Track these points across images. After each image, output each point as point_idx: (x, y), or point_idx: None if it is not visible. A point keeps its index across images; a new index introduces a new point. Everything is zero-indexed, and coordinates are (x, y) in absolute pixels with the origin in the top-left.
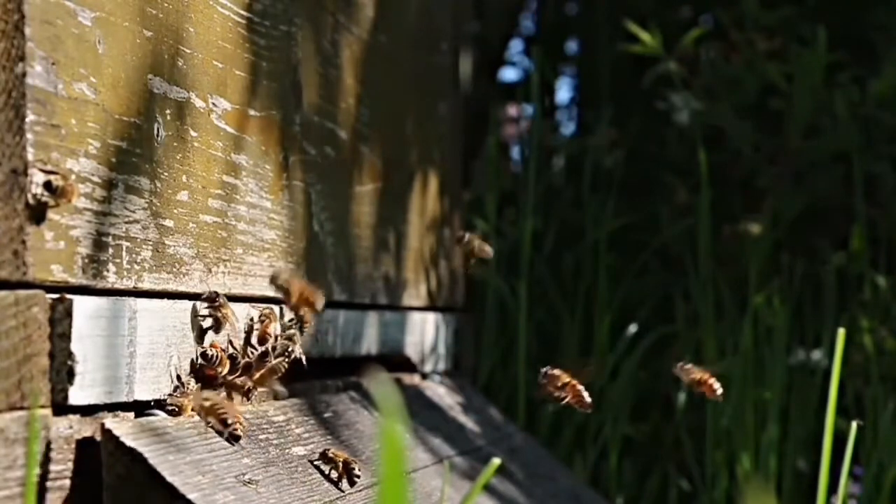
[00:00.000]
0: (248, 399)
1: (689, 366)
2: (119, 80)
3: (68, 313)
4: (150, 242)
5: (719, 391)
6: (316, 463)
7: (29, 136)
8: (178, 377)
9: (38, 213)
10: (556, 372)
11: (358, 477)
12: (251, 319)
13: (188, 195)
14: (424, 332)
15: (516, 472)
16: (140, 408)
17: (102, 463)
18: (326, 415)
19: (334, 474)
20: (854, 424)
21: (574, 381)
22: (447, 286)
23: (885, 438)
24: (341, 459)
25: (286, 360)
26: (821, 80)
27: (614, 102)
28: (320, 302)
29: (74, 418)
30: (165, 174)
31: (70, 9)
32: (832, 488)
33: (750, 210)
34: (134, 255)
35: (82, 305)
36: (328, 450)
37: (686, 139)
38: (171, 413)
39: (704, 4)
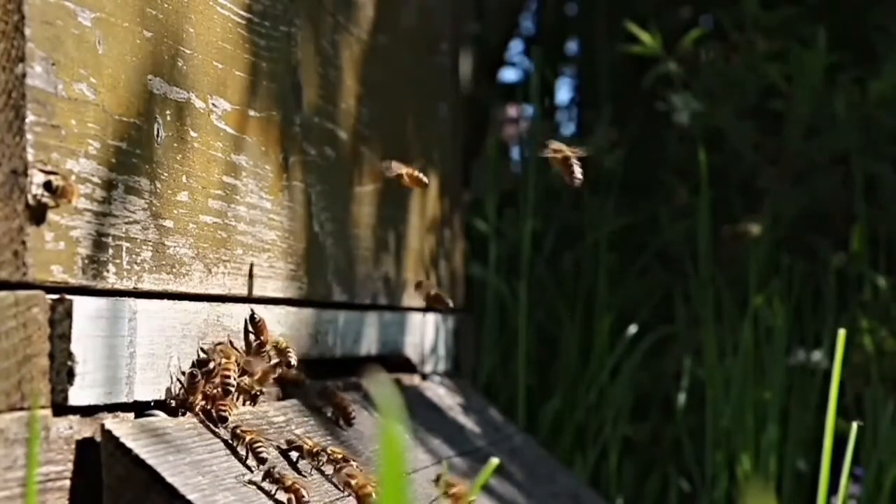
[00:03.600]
0: (254, 403)
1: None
2: (119, 80)
3: (68, 314)
4: (150, 243)
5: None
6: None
7: (29, 136)
8: (180, 378)
9: (38, 214)
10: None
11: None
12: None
13: (188, 196)
14: (424, 332)
15: (516, 472)
16: (140, 408)
17: (102, 464)
18: (331, 413)
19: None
20: (854, 425)
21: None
22: (447, 287)
23: (886, 439)
24: (289, 482)
25: (283, 359)
26: (821, 81)
27: (614, 103)
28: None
29: (74, 419)
30: (165, 175)
31: (70, 9)
32: (832, 489)
33: (750, 210)
34: (134, 256)
35: (82, 306)
36: (273, 468)
37: (686, 140)
38: (177, 410)
39: (704, 5)
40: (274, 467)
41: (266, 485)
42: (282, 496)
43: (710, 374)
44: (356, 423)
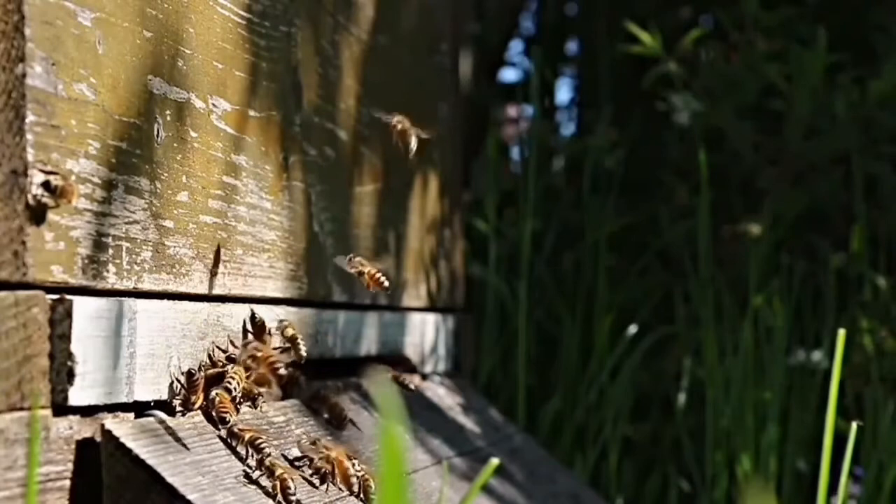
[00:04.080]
0: (255, 406)
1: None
2: (119, 80)
3: (68, 314)
4: (150, 243)
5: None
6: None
7: (29, 136)
8: (179, 378)
9: (38, 214)
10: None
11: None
12: (256, 322)
13: (188, 196)
14: (424, 332)
15: (516, 472)
16: (140, 408)
17: (102, 464)
18: (326, 415)
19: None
20: (854, 425)
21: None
22: (447, 287)
23: (886, 439)
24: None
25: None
26: (821, 81)
27: (614, 103)
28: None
29: (74, 419)
30: (165, 175)
31: (70, 9)
32: (832, 489)
33: (750, 211)
34: (134, 256)
35: (82, 306)
36: (266, 456)
37: (686, 140)
38: (181, 407)
39: (704, 5)
40: (267, 456)
41: (254, 473)
42: (266, 482)
43: (710, 374)
44: (357, 424)
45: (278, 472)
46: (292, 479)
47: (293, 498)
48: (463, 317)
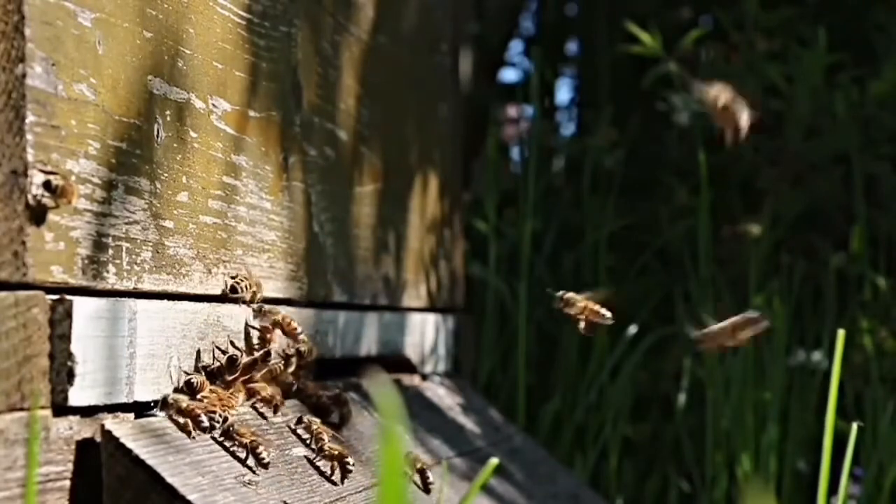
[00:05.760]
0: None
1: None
2: (119, 80)
3: (68, 314)
4: (150, 243)
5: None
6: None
7: (29, 136)
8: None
9: (38, 214)
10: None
11: (350, 470)
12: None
13: (188, 196)
14: (424, 332)
15: (516, 472)
16: (140, 409)
17: (102, 464)
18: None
19: (328, 468)
20: (854, 425)
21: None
22: (447, 287)
23: (886, 439)
24: (336, 452)
25: (286, 362)
26: (821, 81)
27: (614, 103)
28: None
29: (74, 419)
30: (165, 175)
31: (70, 10)
32: (832, 489)
33: (750, 211)
34: (134, 256)
35: (82, 306)
36: (231, 426)
37: (686, 140)
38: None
39: (704, 5)
40: (232, 426)
41: (226, 443)
42: (241, 453)
43: (710, 374)
44: (357, 424)
45: (247, 439)
46: (262, 445)
47: (266, 461)
48: (463, 317)
